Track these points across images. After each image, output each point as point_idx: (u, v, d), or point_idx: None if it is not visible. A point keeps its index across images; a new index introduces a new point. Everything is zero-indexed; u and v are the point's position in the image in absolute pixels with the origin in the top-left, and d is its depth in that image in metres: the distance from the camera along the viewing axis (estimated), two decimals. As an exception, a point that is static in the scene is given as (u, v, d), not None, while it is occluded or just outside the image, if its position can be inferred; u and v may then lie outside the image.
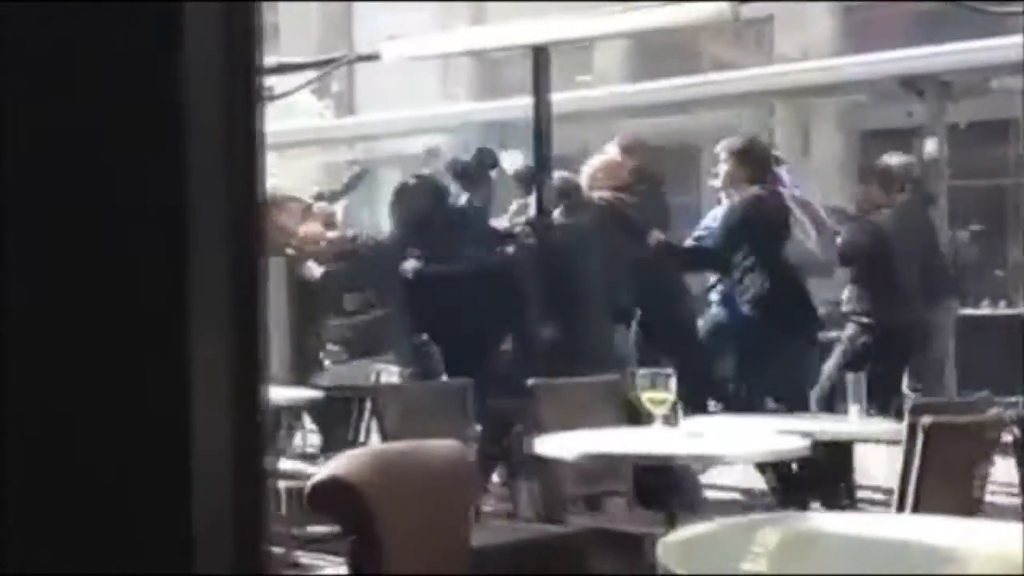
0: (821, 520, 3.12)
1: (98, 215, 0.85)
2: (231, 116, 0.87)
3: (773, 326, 5.56)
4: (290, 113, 15.34)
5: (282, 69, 7.45)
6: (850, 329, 6.19)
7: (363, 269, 6.84)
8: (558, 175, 6.02)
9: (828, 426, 4.44)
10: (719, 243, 5.76)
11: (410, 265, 6.22)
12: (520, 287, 6.02)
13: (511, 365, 5.85)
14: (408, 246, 6.27)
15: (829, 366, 6.04)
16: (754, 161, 5.67)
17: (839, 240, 6.08)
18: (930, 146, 8.78)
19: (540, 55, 5.55)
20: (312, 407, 6.10)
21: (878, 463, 4.87)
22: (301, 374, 6.27)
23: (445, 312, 6.04)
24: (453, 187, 6.44)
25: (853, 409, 4.34)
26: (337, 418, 5.93)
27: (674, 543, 2.27)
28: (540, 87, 5.57)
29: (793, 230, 5.54)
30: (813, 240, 5.62)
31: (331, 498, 2.63)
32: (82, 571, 0.85)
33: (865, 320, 6.12)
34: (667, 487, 4.43)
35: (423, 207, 6.23)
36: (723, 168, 5.68)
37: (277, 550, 5.16)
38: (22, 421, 0.86)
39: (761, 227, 5.55)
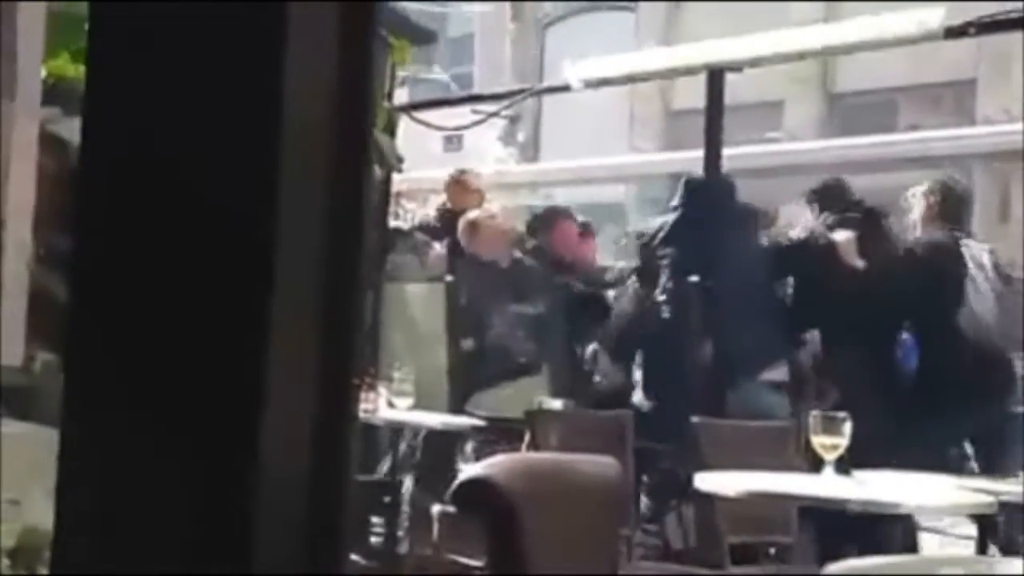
0: (1011, 565, 2.86)
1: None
2: (338, 112, 0.83)
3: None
4: (480, 160, 15.60)
5: (472, 99, 7.51)
6: None
7: None
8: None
9: (1014, 487, 4.12)
10: None
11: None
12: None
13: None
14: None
15: None
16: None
17: None
18: None
19: (714, 77, 5.40)
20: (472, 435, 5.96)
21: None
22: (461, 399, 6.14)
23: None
24: None
25: (1050, 471, 4.01)
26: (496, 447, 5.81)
27: (840, 569, 2.09)
28: (713, 110, 5.41)
29: None
30: None
31: (476, 497, 2.53)
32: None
33: None
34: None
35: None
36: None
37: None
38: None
39: None
